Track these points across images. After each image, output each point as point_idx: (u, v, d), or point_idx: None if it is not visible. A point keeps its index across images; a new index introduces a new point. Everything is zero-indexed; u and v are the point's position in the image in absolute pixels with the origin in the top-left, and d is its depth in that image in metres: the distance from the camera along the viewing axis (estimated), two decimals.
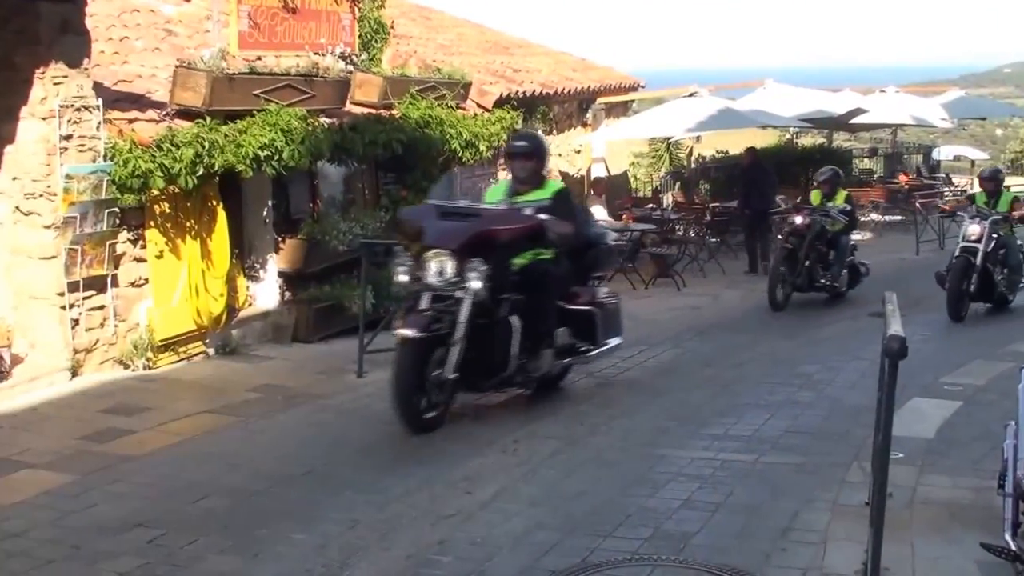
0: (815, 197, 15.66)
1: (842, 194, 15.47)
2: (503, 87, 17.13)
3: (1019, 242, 14.60)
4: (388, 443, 8.12)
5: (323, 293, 12.54)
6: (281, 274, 12.53)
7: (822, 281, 15.02)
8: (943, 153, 31.98)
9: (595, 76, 22.06)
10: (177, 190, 10.37)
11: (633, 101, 23.72)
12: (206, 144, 10.34)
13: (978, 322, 13.66)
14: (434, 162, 14.52)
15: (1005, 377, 10.25)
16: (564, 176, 19.59)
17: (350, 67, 13.06)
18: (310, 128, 11.74)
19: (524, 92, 17.57)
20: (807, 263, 14.79)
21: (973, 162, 31.96)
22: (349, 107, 13.35)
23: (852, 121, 24.61)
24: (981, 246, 13.65)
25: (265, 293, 12.36)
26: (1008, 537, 5.00)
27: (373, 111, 13.66)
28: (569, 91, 19.78)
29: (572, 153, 20.44)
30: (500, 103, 16.54)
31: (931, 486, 6.84)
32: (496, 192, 9.62)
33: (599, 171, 21.06)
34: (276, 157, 11.13)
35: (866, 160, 30.24)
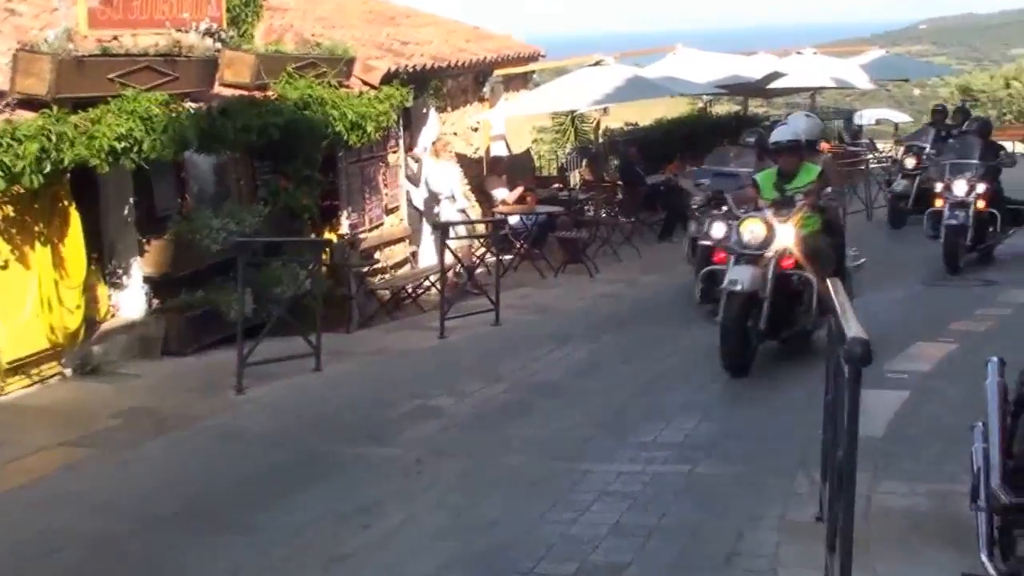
0: None
1: None
2: (390, 61, 16.67)
3: None
4: (272, 471, 7.74)
5: (196, 299, 12.08)
6: (147, 280, 12.02)
7: None
8: (865, 117, 32.08)
9: (491, 46, 21.68)
10: (22, 191, 9.81)
11: (534, 72, 23.41)
12: (53, 137, 9.77)
13: (917, 300, 13.57)
14: (316, 147, 14.05)
15: (950, 361, 10.23)
16: (461, 157, 19.24)
17: (218, 44, 12.54)
18: (173, 114, 11.24)
19: (414, 66, 17.13)
20: None
21: (896, 125, 32.13)
22: (218, 89, 12.82)
23: (770, 86, 24.57)
24: None
25: (130, 302, 11.83)
26: (984, 558, 4.70)
27: (246, 93, 13.12)
28: (463, 63, 19.36)
29: (469, 131, 20.07)
30: (388, 79, 16.08)
31: (887, 493, 6.58)
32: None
33: (499, 150, 20.71)
34: (135, 148, 10.60)
35: None
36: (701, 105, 30.29)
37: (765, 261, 9.85)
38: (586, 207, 19.95)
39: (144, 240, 12.13)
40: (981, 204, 14.87)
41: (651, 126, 26.91)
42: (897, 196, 19.20)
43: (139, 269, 11.98)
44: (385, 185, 17.15)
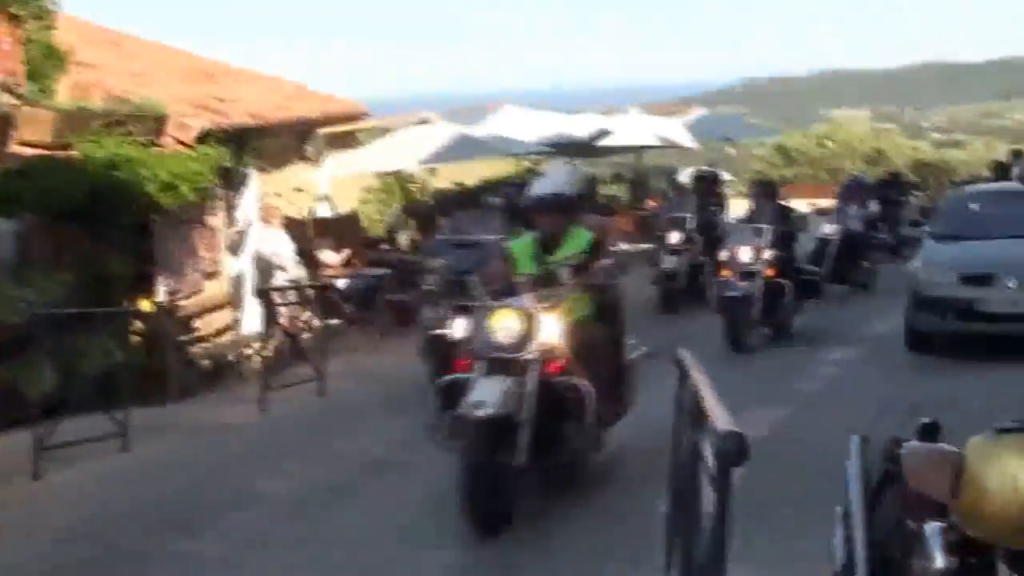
0: None
1: None
2: (206, 120, 15.96)
3: None
4: (71, 571, 6.97)
5: None
6: None
7: None
8: (685, 176, 32.50)
9: (314, 104, 21.17)
10: None
11: (359, 131, 22.97)
12: None
13: (753, 359, 13.32)
14: (127, 209, 13.28)
15: (787, 424, 9.96)
16: (287, 220, 18.60)
17: (14, 100, 11.80)
18: None
19: (231, 124, 16.47)
20: None
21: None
22: (15, 149, 12.12)
23: (598, 143, 24.58)
24: None
25: None
26: None
27: (47, 152, 12.38)
28: (285, 122, 18.79)
29: (293, 192, 19.43)
30: (204, 138, 15.39)
31: None
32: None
33: (325, 211, 20.14)
34: None
35: (612, 186, 30.42)
36: (528, 164, 30.22)
37: (523, 366, 7.36)
38: (416, 269, 19.51)
39: None
40: (770, 272, 13.46)
41: (477, 186, 26.70)
42: (666, 275, 16.78)
43: None
44: (205, 249, 16.38)
